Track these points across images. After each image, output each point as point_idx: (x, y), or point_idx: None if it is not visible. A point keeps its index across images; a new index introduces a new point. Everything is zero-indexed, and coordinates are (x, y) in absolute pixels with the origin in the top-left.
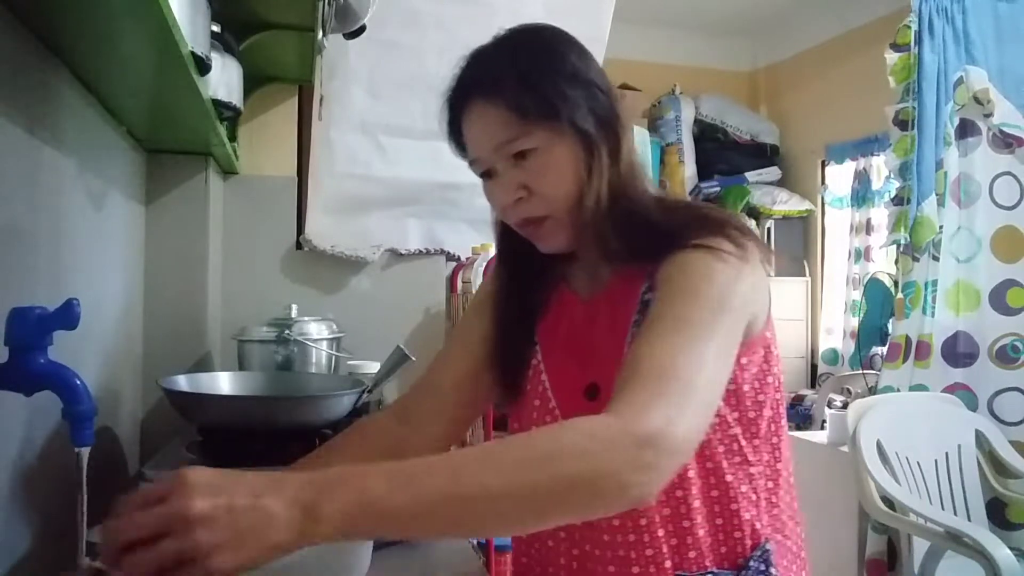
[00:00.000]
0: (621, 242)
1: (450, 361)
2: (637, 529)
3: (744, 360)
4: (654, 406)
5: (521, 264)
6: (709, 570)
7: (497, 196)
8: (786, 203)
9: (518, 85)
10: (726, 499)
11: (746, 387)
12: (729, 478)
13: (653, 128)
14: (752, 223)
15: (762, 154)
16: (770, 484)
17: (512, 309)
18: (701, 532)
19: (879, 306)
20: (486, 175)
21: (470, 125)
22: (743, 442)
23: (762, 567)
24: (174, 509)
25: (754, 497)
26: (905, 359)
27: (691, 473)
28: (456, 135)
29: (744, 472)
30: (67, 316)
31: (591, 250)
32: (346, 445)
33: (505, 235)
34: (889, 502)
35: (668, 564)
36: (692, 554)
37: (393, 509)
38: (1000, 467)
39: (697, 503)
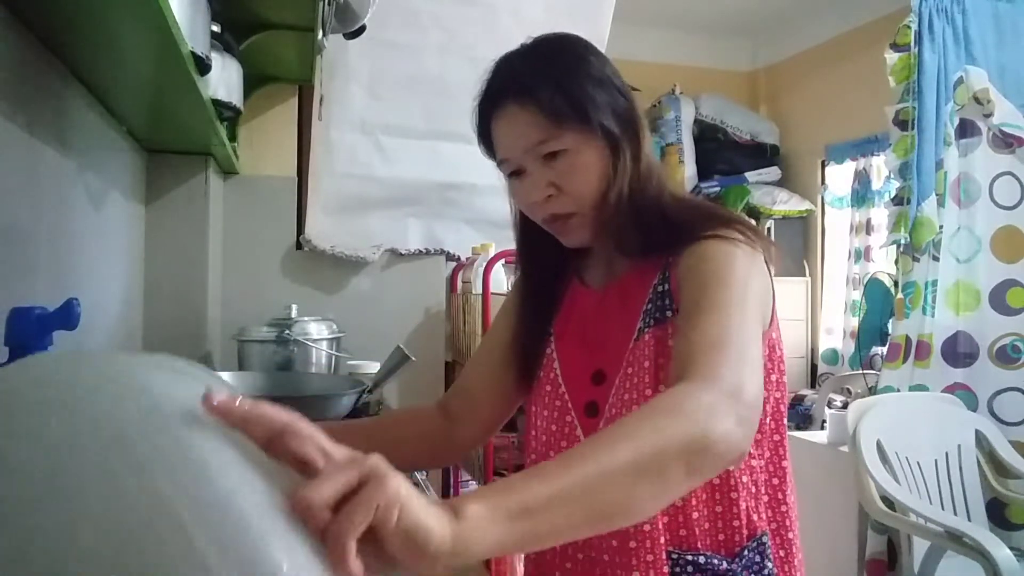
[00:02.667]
0: (638, 237)
1: (479, 365)
2: None
3: None
4: (723, 369)
5: (539, 261)
6: (701, 552)
7: (527, 194)
8: (786, 203)
9: (552, 90)
10: (726, 487)
11: None
12: (731, 467)
13: (653, 128)
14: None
15: (762, 154)
16: (775, 480)
17: (531, 304)
18: (695, 515)
19: (879, 306)
20: (514, 174)
21: (501, 127)
22: None
23: (757, 558)
24: (369, 461)
25: (754, 489)
26: (905, 359)
27: None
28: (484, 136)
29: (745, 463)
30: (67, 316)
31: (609, 244)
32: (398, 423)
33: (525, 234)
34: (889, 502)
35: (663, 540)
36: (683, 532)
37: (531, 499)
38: (1000, 467)
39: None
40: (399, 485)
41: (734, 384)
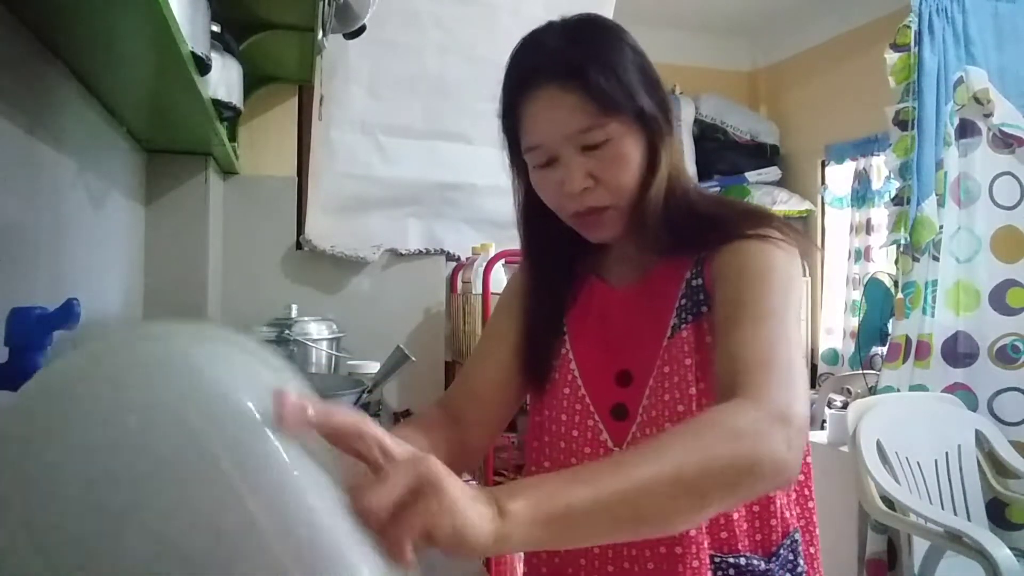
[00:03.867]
0: (672, 232)
1: (485, 367)
2: None
3: None
4: (775, 390)
5: (549, 258)
6: (742, 554)
7: (561, 184)
8: (786, 203)
9: (602, 74)
10: None
11: None
12: (777, 491)
13: None
14: None
15: (762, 154)
16: (801, 476)
17: (542, 302)
18: (736, 515)
19: (879, 306)
20: (544, 163)
21: (538, 110)
22: None
23: (791, 556)
24: (423, 467)
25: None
26: (905, 359)
27: None
28: (510, 119)
29: None
30: (67, 316)
31: (634, 240)
32: (411, 438)
33: (533, 230)
34: (889, 502)
35: (706, 544)
36: (724, 534)
37: (574, 503)
38: (1000, 467)
39: None
40: (452, 492)
41: (784, 407)
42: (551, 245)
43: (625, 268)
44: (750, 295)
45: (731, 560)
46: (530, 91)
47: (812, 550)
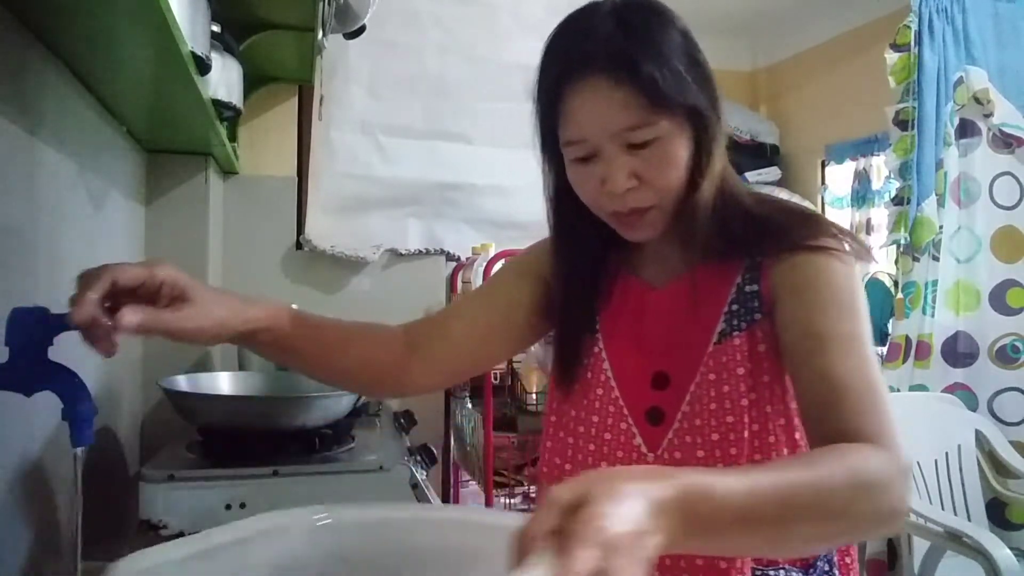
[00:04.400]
0: (723, 235)
1: (471, 314)
2: None
3: None
4: (897, 439)
5: (582, 251)
6: (782, 566)
7: (602, 183)
8: None
9: (657, 68)
10: None
11: None
12: None
13: None
14: None
15: (762, 154)
16: None
17: (574, 298)
18: None
19: (879, 306)
20: (584, 158)
21: (582, 103)
22: None
23: (827, 567)
24: (598, 527)
25: None
26: (905, 359)
27: None
28: (550, 108)
29: None
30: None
31: (678, 240)
32: (352, 342)
33: (565, 222)
34: None
35: (749, 557)
36: None
37: (729, 532)
38: (1000, 467)
39: None
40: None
41: (907, 460)
42: (584, 239)
43: (663, 267)
44: (830, 320)
45: (771, 573)
46: (575, 81)
47: (848, 560)
